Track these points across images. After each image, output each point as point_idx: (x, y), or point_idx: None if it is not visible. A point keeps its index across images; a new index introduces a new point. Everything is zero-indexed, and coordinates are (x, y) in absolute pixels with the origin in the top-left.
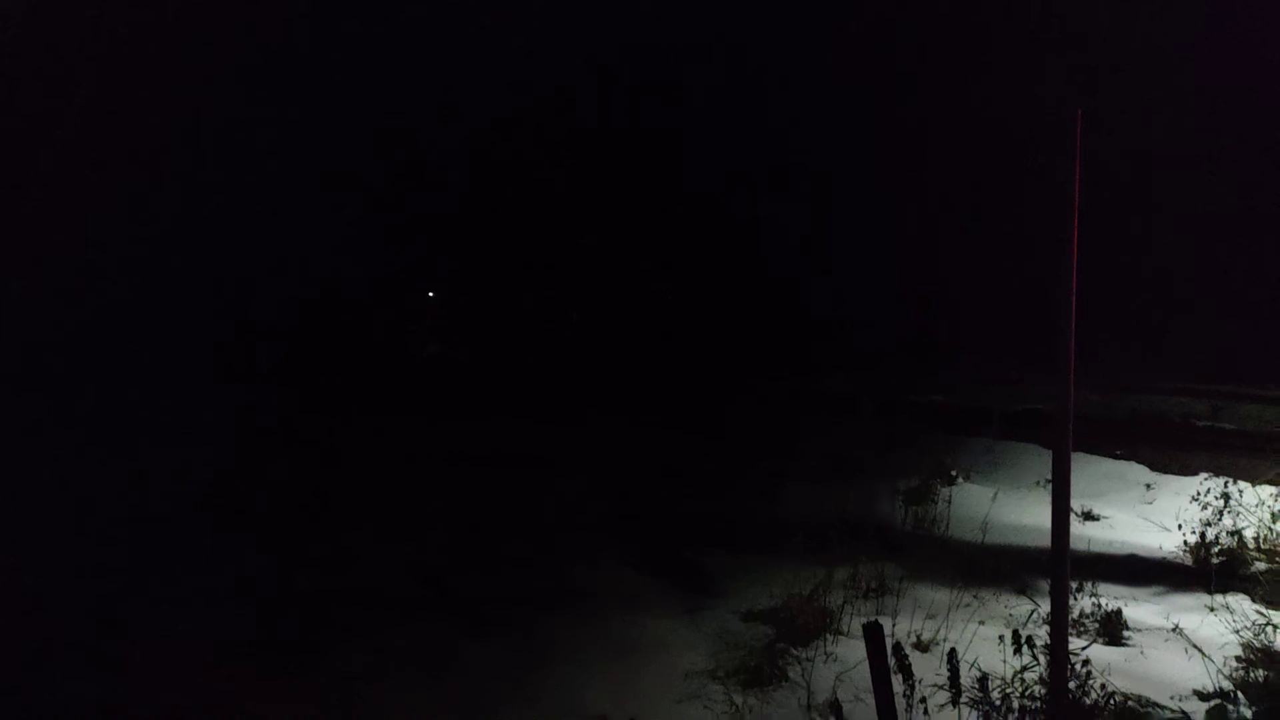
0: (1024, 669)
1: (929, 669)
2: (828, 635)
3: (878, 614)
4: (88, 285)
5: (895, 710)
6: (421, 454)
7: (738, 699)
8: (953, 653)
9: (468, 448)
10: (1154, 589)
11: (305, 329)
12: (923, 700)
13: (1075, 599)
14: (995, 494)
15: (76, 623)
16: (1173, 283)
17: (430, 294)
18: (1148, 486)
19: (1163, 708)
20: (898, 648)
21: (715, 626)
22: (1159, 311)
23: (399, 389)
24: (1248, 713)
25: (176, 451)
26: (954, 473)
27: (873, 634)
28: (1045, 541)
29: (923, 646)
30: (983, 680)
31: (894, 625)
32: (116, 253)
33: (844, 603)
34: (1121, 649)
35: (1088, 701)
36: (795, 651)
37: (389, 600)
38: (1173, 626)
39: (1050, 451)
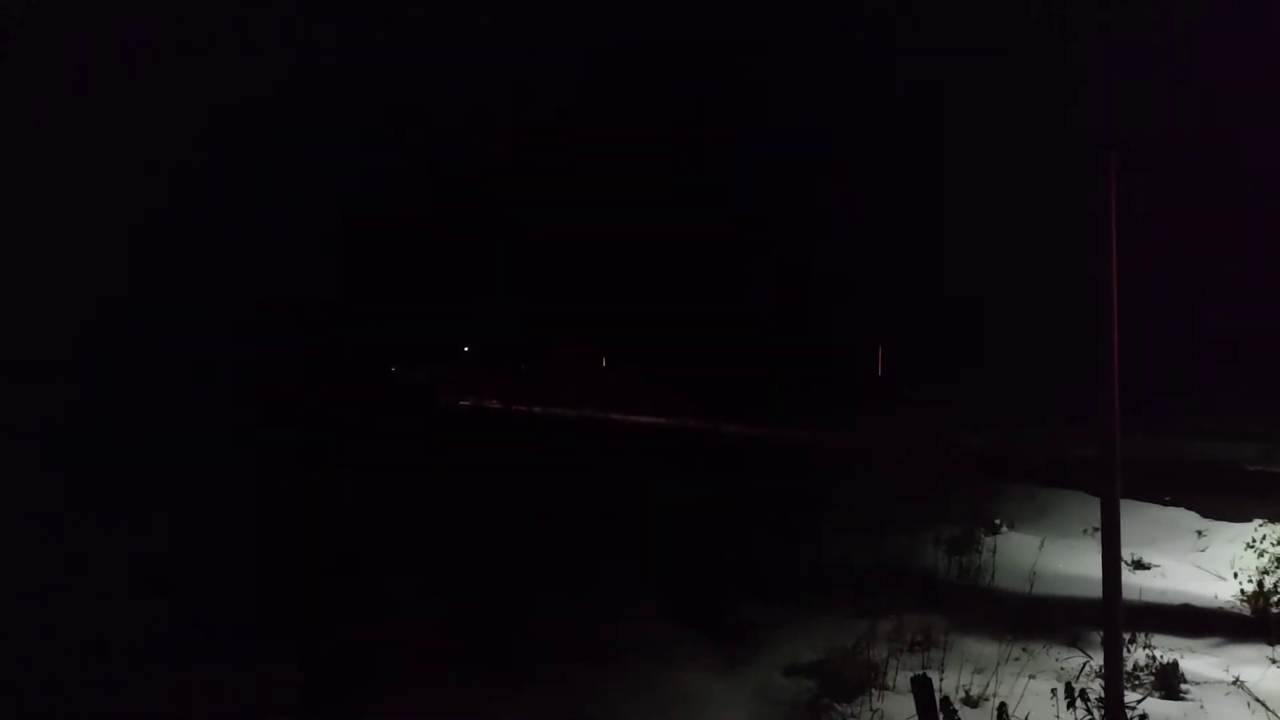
0: None
1: None
2: (873, 690)
3: (924, 668)
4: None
5: None
6: (455, 505)
7: None
8: (1003, 708)
9: (497, 494)
10: (1211, 640)
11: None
12: None
13: (1129, 651)
14: (1042, 542)
15: (106, 678)
16: (1218, 322)
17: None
18: (1199, 534)
19: None
20: (945, 703)
21: (756, 681)
22: (1207, 352)
23: (433, 440)
24: None
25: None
26: (998, 520)
27: (921, 688)
28: (1095, 591)
29: (972, 702)
30: None
31: (941, 679)
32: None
33: (888, 656)
34: (1180, 703)
35: None
36: (840, 708)
37: (423, 652)
38: (1233, 679)
39: (1097, 499)
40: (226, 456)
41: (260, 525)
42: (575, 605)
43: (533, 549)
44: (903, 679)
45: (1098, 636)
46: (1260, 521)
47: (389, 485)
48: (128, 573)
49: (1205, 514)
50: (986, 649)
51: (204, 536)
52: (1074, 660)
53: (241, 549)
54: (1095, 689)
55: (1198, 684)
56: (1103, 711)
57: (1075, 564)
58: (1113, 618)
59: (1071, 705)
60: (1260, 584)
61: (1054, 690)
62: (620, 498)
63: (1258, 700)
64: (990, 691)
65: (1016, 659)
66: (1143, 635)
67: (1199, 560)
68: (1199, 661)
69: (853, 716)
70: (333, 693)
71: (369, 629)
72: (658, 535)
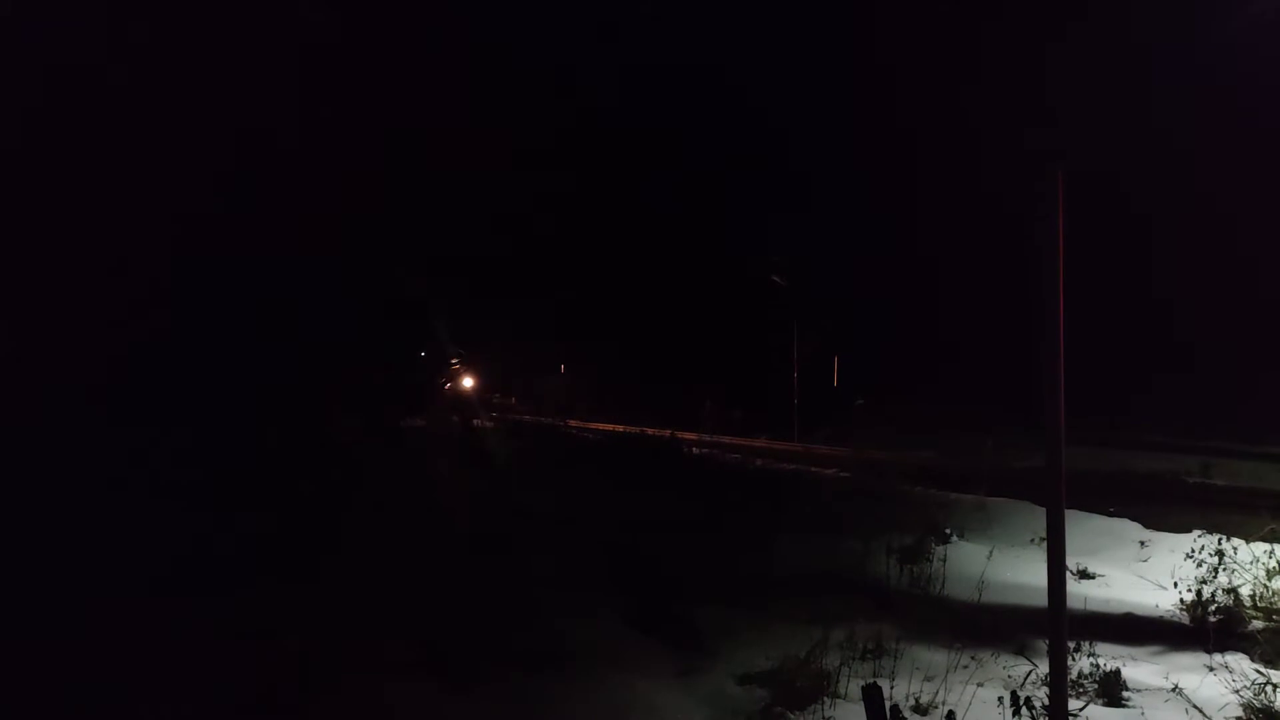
0: None
1: None
2: (825, 699)
3: (875, 676)
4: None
5: None
6: (421, 517)
7: None
8: (950, 715)
9: (463, 508)
10: (1152, 648)
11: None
12: None
13: (1073, 659)
14: (990, 552)
15: (60, 689)
16: (1165, 338)
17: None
18: (1142, 544)
19: None
20: (895, 710)
21: (709, 689)
22: (1151, 366)
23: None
24: None
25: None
26: (948, 530)
27: (872, 697)
28: (1042, 600)
29: (921, 709)
30: None
31: (892, 688)
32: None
33: (841, 664)
34: (1122, 710)
35: None
36: (792, 716)
37: (382, 662)
38: (1172, 687)
39: (1044, 509)
40: None
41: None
42: (535, 615)
43: (488, 555)
44: (855, 687)
45: (1044, 644)
46: (1199, 532)
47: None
48: None
49: (1148, 525)
50: (936, 657)
51: None
52: (1020, 668)
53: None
54: (1040, 697)
55: (1139, 691)
56: (1048, 719)
57: (1022, 573)
58: (1058, 629)
59: (1017, 713)
60: (1199, 593)
61: (1001, 698)
62: (577, 504)
63: (1195, 707)
64: (940, 699)
65: (965, 667)
66: (1087, 644)
67: (1141, 570)
68: (1140, 669)
69: None
70: (294, 700)
71: (332, 640)
72: (616, 541)
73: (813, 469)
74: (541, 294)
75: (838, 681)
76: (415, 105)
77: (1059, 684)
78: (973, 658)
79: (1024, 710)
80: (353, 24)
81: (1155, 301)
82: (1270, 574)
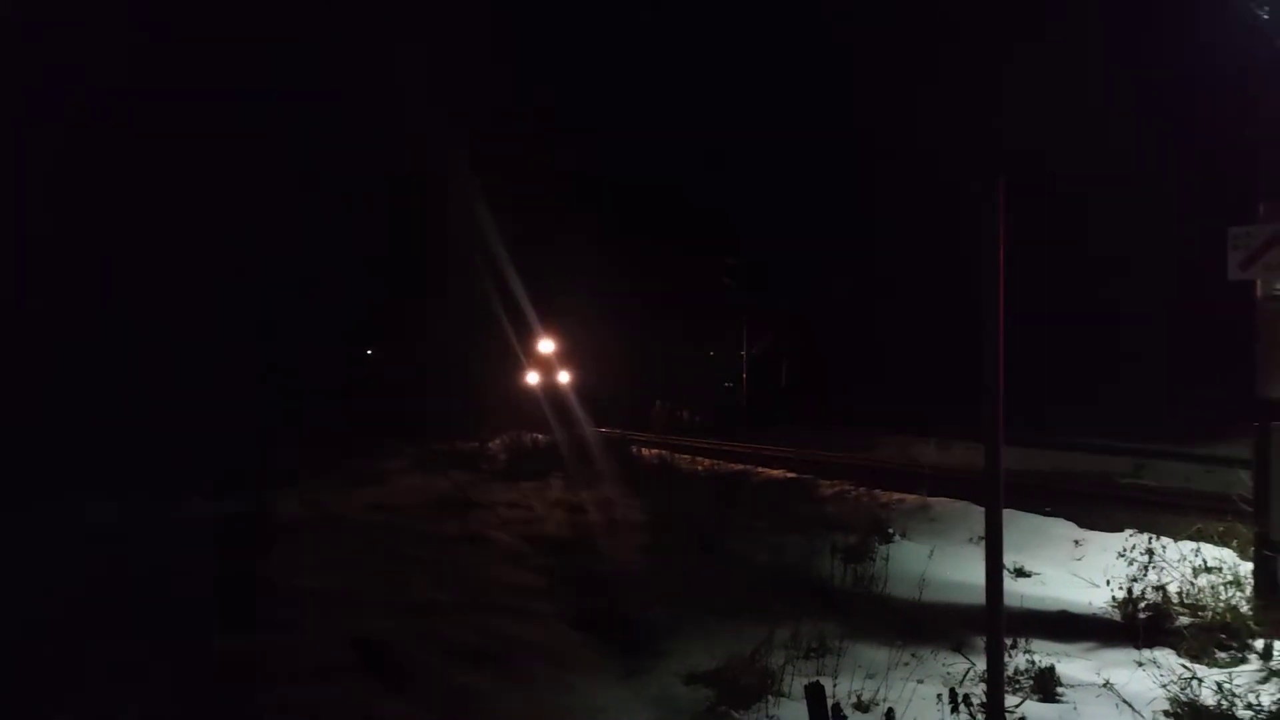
0: None
1: None
2: (769, 697)
3: (819, 674)
4: None
5: None
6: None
7: None
8: (890, 712)
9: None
10: (1086, 644)
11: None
12: None
13: (1010, 656)
14: (931, 551)
15: None
16: (1102, 340)
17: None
18: (1076, 543)
19: None
20: (836, 708)
21: (656, 689)
22: (1094, 368)
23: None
24: None
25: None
26: (891, 530)
27: (814, 695)
28: (981, 598)
29: (863, 706)
30: None
31: (835, 685)
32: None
33: (785, 663)
34: (1056, 705)
35: None
36: (737, 715)
37: (313, 666)
38: (1103, 682)
39: (983, 508)
40: None
41: None
42: (475, 613)
43: (429, 550)
44: (799, 685)
45: (982, 641)
46: (1130, 531)
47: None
48: None
49: (1082, 524)
50: (879, 655)
51: None
52: (960, 665)
53: None
54: (978, 694)
55: (1073, 687)
56: (985, 715)
57: (962, 571)
58: (995, 627)
59: (955, 709)
60: (1129, 591)
61: (940, 695)
62: (524, 503)
63: (1125, 702)
64: (881, 696)
65: (906, 664)
66: (1023, 640)
67: (1076, 568)
68: (1074, 665)
69: None
70: (221, 708)
71: (263, 646)
72: (562, 540)
73: (760, 469)
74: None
75: (782, 680)
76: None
77: (996, 681)
78: (913, 655)
79: (962, 707)
80: None
81: (1101, 302)
82: (1196, 572)
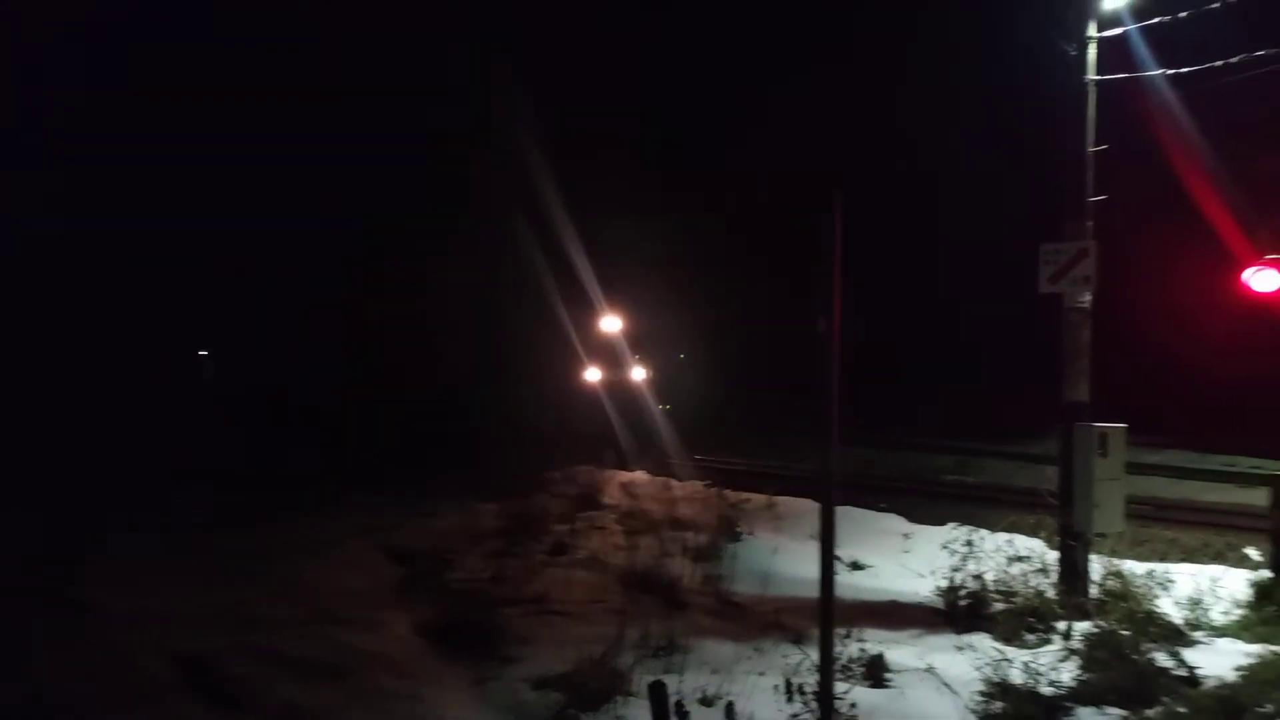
0: (795, 716)
1: None
2: (619, 698)
3: (666, 672)
4: None
5: None
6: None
7: None
8: (729, 706)
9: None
10: (912, 632)
11: None
12: None
13: (843, 646)
14: (776, 548)
15: None
16: (943, 345)
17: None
18: (906, 536)
19: None
20: (679, 705)
21: (504, 697)
22: (931, 368)
23: None
24: None
25: None
26: (739, 529)
27: (656, 693)
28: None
29: (708, 701)
30: None
31: (681, 682)
32: None
33: (634, 663)
34: (884, 690)
35: None
36: (585, 717)
37: (138, 685)
38: (926, 667)
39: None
40: None
41: None
42: (317, 624)
43: (260, 553)
44: (647, 684)
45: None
46: (954, 524)
47: None
48: None
49: (912, 519)
50: (725, 650)
51: None
52: (797, 656)
53: None
54: (812, 683)
55: (900, 672)
56: (817, 703)
57: (803, 566)
58: (826, 618)
59: (790, 699)
60: (951, 580)
61: (777, 686)
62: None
63: (945, 685)
64: (724, 690)
65: (749, 658)
66: (855, 630)
67: (905, 560)
68: (901, 652)
69: None
70: None
71: (81, 666)
72: (409, 549)
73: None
74: None
75: (630, 680)
76: None
77: (826, 669)
78: (756, 649)
79: (796, 695)
80: None
81: (944, 305)
82: (1010, 561)
